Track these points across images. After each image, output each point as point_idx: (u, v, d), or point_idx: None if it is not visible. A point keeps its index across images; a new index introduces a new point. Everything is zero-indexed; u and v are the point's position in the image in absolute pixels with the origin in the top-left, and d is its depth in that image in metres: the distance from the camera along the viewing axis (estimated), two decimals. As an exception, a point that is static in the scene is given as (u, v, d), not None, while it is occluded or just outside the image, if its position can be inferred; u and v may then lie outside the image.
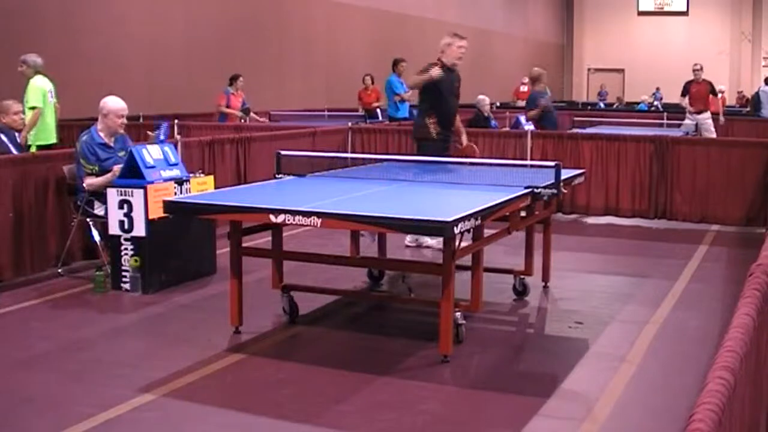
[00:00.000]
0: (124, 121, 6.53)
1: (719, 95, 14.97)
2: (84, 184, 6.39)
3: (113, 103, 6.50)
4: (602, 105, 25.44)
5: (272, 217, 4.53)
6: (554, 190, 5.34)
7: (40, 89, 8.48)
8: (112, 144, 6.51)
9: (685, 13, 33.44)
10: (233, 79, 12.81)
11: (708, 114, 13.84)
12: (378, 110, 15.04)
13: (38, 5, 11.54)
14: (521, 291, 6.12)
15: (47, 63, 8.77)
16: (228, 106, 12.62)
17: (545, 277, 6.39)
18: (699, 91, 13.82)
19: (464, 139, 7.68)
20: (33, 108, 8.34)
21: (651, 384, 4.52)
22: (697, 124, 13.47)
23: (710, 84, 13.92)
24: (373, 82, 15.37)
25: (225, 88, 12.72)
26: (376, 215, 4.38)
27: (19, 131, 7.71)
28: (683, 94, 13.96)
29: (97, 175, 6.37)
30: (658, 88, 28.31)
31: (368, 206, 4.72)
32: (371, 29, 19.91)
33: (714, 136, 13.15)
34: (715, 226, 9.07)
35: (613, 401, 4.20)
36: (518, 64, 28.76)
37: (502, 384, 4.46)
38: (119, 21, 12.92)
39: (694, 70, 13.97)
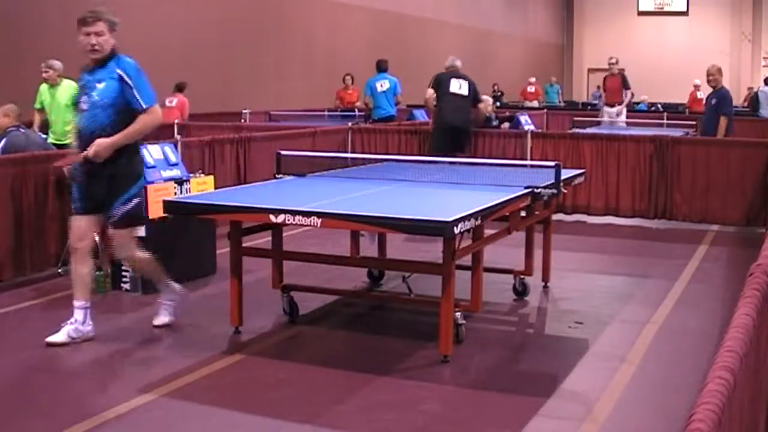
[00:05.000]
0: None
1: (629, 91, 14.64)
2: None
3: None
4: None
5: (272, 217, 4.53)
6: (554, 190, 5.34)
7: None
8: None
9: (685, 13, 33.41)
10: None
11: (620, 108, 14.09)
12: (356, 109, 15.15)
13: (38, 5, 11.54)
14: (521, 291, 6.12)
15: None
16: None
17: (545, 277, 6.39)
18: (612, 84, 14.12)
19: None
20: None
21: (651, 384, 4.51)
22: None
23: (623, 76, 14.13)
24: (353, 82, 15.57)
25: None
26: (376, 215, 4.38)
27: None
28: (605, 89, 14.29)
29: None
30: (598, 87, 27.53)
31: (368, 206, 4.72)
32: (371, 29, 19.90)
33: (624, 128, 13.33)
34: (715, 226, 9.07)
35: (613, 401, 4.20)
36: (518, 64, 28.77)
37: (502, 384, 4.46)
38: (119, 21, 12.89)
39: (609, 64, 14.20)
